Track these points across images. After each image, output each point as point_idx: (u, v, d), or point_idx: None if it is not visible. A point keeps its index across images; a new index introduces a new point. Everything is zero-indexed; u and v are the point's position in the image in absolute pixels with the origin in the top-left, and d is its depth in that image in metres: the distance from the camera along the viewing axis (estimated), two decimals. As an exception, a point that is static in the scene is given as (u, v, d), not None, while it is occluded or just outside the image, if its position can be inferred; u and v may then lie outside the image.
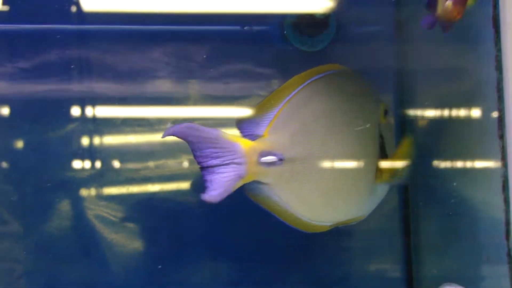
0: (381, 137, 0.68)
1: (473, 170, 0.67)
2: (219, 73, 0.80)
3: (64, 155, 0.78)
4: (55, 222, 0.77)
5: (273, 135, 0.62)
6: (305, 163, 0.62)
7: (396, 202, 0.83)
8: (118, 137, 0.79)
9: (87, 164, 0.78)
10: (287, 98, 0.63)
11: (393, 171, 0.68)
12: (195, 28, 0.81)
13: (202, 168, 0.60)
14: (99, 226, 0.78)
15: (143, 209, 0.79)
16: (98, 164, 0.78)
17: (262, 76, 0.81)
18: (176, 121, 0.79)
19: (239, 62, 0.81)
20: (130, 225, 0.79)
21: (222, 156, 0.60)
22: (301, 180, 0.62)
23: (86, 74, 0.79)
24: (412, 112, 0.82)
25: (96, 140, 0.79)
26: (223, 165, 0.59)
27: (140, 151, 0.79)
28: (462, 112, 0.69)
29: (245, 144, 0.60)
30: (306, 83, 0.64)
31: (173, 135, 0.59)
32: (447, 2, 0.57)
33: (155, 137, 0.79)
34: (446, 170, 0.74)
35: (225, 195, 0.59)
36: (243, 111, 0.80)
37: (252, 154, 0.60)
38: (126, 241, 0.79)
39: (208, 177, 0.60)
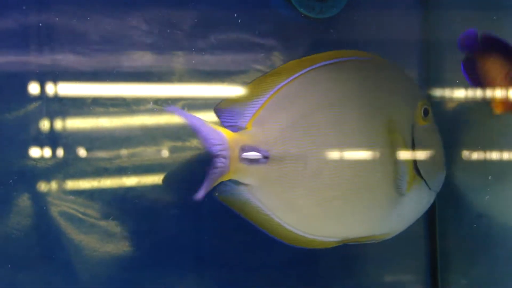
0: (415, 141, 0.66)
1: (510, 163, 0.66)
2: (209, 44, 0.79)
3: (23, 140, 0.76)
4: (12, 220, 0.75)
5: (258, 128, 0.60)
6: (298, 164, 0.60)
7: None
8: (88, 120, 0.77)
9: (50, 151, 0.77)
10: (281, 85, 0.61)
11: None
12: None
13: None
14: (65, 225, 0.77)
15: (117, 206, 0.78)
16: (63, 151, 0.77)
17: (260, 48, 0.80)
18: (158, 101, 0.78)
19: (233, 31, 0.79)
20: (102, 224, 0.77)
21: (215, 148, 0.59)
22: (292, 184, 0.61)
23: (49, 44, 0.77)
24: (439, 92, 0.81)
25: (62, 123, 0.77)
26: (216, 156, 0.59)
27: (114, 136, 0.77)
28: (498, 93, 0.67)
29: (228, 134, 0.59)
30: (308, 69, 0.62)
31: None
32: None
33: (132, 120, 0.78)
34: (478, 162, 0.72)
35: (208, 189, 0.59)
36: (235, 90, 0.80)
37: (233, 147, 0.59)
38: (97, 244, 0.77)
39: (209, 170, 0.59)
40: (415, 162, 0.65)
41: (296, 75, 0.61)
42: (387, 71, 0.67)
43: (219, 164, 0.58)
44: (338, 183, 0.61)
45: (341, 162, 0.61)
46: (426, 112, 0.66)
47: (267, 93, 0.61)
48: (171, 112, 0.60)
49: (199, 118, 0.59)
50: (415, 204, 0.66)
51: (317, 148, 0.60)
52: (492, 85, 0.58)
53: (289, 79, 0.61)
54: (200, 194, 0.58)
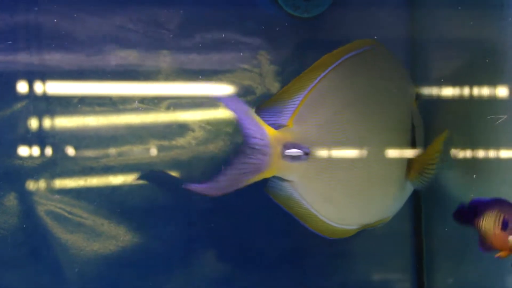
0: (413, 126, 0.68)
1: (496, 161, 0.66)
2: (195, 43, 0.79)
3: (9, 139, 0.76)
4: None
5: (299, 125, 0.61)
6: (334, 159, 0.62)
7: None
8: (74, 119, 0.77)
9: (37, 150, 0.77)
10: (315, 82, 0.62)
11: (422, 168, 0.67)
12: None
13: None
14: (52, 225, 0.77)
15: (103, 205, 0.78)
16: (50, 150, 0.77)
17: (246, 47, 0.80)
18: (144, 100, 0.78)
19: (219, 30, 0.79)
20: (89, 223, 0.77)
21: (251, 144, 0.59)
22: (328, 178, 0.62)
23: (36, 43, 0.77)
24: (425, 90, 0.81)
25: (48, 122, 0.77)
26: (245, 152, 0.59)
27: (101, 135, 0.77)
28: (484, 91, 0.68)
29: (270, 131, 0.60)
30: (336, 64, 0.63)
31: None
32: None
33: (119, 119, 0.78)
34: (463, 161, 0.73)
35: (234, 188, 0.59)
36: (223, 88, 0.80)
37: (276, 145, 0.59)
38: (84, 243, 0.77)
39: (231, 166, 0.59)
40: (414, 146, 0.68)
41: (327, 70, 0.62)
42: (390, 58, 0.68)
43: (255, 160, 0.59)
44: (366, 175, 0.64)
45: (369, 154, 0.63)
46: (417, 96, 0.69)
47: (304, 90, 0.62)
48: (220, 100, 0.58)
49: (247, 111, 0.58)
50: (408, 188, 0.69)
51: (350, 142, 0.62)
52: (489, 240, 0.59)
53: (321, 75, 0.62)
54: (218, 188, 0.59)
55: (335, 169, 0.62)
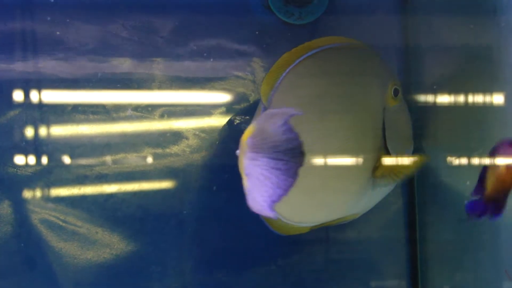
0: (385, 123, 0.66)
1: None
2: (189, 51, 0.79)
3: (3, 147, 0.76)
4: None
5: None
6: None
7: (400, 205, 0.83)
8: (68, 127, 0.77)
9: (31, 159, 0.77)
10: (281, 78, 0.62)
11: (389, 172, 0.66)
12: None
13: None
14: (46, 233, 0.77)
15: (98, 213, 0.78)
16: (44, 159, 0.77)
17: (240, 54, 0.80)
18: (138, 108, 0.78)
19: (212, 37, 0.80)
20: (83, 231, 0.77)
21: None
22: None
23: (30, 51, 0.77)
24: (419, 97, 0.81)
25: (42, 131, 0.77)
26: None
27: (95, 143, 0.77)
28: (478, 98, 0.68)
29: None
30: (301, 58, 0.63)
31: None
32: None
33: (113, 127, 0.78)
34: (458, 166, 0.73)
35: None
36: (217, 94, 0.80)
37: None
38: (78, 251, 0.77)
39: None
40: (385, 144, 0.66)
41: (291, 66, 0.62)
42: (363, 56, 0.67)
43: None
44: (321, 172, 0.63)
45: (325, 152, 0.62)
46: (396, 92, 0.67)
47: (270, 89, 0.62)
48: None
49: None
50: (382, 185, 0.68)
51: (305, 139, 0.60)
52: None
53: (282, 76, 0.62)
54: None
55: None
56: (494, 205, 0.57)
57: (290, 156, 0.56)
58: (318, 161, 0.62)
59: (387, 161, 0.66)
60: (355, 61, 0.67)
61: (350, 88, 0.65)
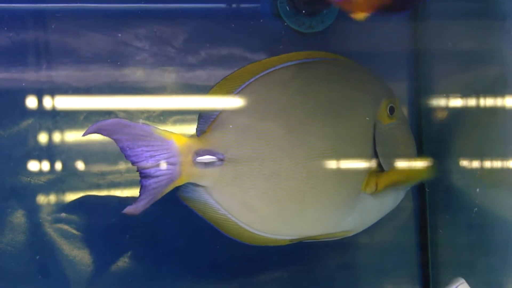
0: (377, 140, 0.66)
1: (502, 171, 0.67)
2: (201, 59, 0.80)
3: (17, 156, 0.77)
4: (6, 237, 0.76)
5: (215, 131, 0.62)
6: (253, 166, 0.62)
7: (411, 209, 0.83)
8: (80, 135, 0.73)
9: (44, 167, 0.77)
10: (240, 88, 0.63)
11: (389, 183, 0.66)
12: (172, 6, 0.80)
13: (139, 171, 0.61)
14: (59, 241, 0.77)
15: (111, 221, 0.78)
16: (57, 167, 0.78)
17: (251, 62, 0.77)
18: (150, 117, 0.79)
19: (224, 46, 0.80)
20: (96, 239, 0.78)
21: (155, 155, 0.60)
22: (247, 185, 0.62)
23: (43, 60, 0.78)
24: (429, 102, 0.82)
25: (55, 139, 0.78)
26: (157, 166, 0.60)
27: (107, 151, 0.78)
28: (488, 103, 0.69)
29: (178, 140, 0.61)
30: (268, 71, 0.64)
31: (97, 133, 0.60)
32: None
33: None
34: (470, 171, 0.73)
35: (152, 202, 0.61)
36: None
37: (186, 153, 0.61)
38: (91, 259, 0.78)
39: (145, 182, 0.61)
40: (377, 160, 0.66)
41: (256, 77, 0.63)
42: (349, 72, 0.68)
43: (165, 172, 0.60)
44: (295, 185, 0.63)
45: (297, 164, 0.62)
46: (391, 110, 0.67)
47: (229, 96, 0.63)
48: (117, 123, 0.59)
49: (147, 126, 0.60)
50: (379, 201, 0.67)
51: (273, 150, 0.62)
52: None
53: (248, 82, 0.63)
54: (139, 206, 0.61)
55: (254, 176, 0.62)
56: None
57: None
58: (288, 173, 0.62)
59: (385, 176, 0.66)
60: (336, 76, 0.67)
61: (330, 102, 0.65)
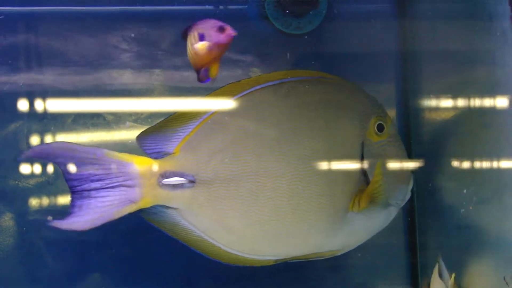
0: (365, 158, 0.66)
1: (490, 171, 0.67)
2: (188, 61, 0.75)
3: (5, 159, 0.77)
4: None
5: (185, 153, 0.62)
6: (229, 187, 0.62)
7: (400, 211, 0.79)
8: (69, 137, 0.78)
9: (32, 170, 0.77)
10: (210, 113, 0.63)
11: (368, 198, 0.65)
12: (159, 8, 0.80)
13: (73, 192, 0.60)
14: (48, 245, 0.78)
15: (101, 225, 0.76)
16: (46, 170, 0.78)
17: (239, 64, 0.81)
18: (138, 119, 0.79)
19: None
20: (85, 242, 0.78)
21: (106, 179, 0.60)
22: (223, 207, 0.62)
23: (31, 63, 0.78)
24: (417, 103, 0.82)
25: (44, 141, 0.78)
26: (105, 188, 0.59)
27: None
28: (476, 103, 0.69)
29: (140, 163, 0.61)
30: (249, 90, 0.63)
31: (37, 157, 0.60)
32: (199, 44, 0.58)
33: (113, 137, 0.79)
34: (458, 172, 0.73)
35: (103, 221, 0.60)
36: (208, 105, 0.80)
37: (149, 175, 0.60)
38: (81, 263, 0.78)
39: (78, 202, 0.60)
40: (366, 178, 0.65)
41: (233, 98, 0.63)
42: (335, 90, 0.67)
43: (119, 192, 0.60)
44: (274, 205, 0.62)
45: (276, 185, 0.62)
46: (380, 128, 0.67)
47: (200, 118, 0.62)
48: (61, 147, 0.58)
49: (99, 150, 0.60)
50: (369, 219, 0.66)
51: (251, 171, 0.61)
52: (197, 60, 0.59)
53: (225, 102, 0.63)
54: (83, 225, 0.60)
55: (230, 197, 0.61)
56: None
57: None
58: (268, 193, 0.62)
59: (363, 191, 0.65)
60: (327, 96, 0.66)
61: (314, 121, 0.64)
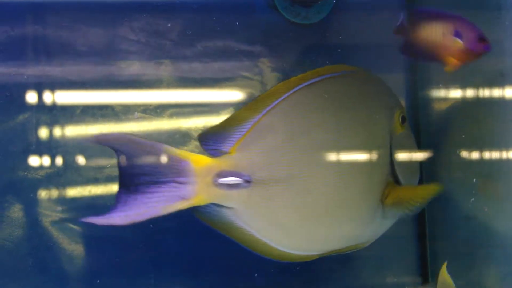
0: (393, 150, 0.67)
1: (500, 162, 0.68)
2: (197, 52, 0.80)
3: (13, 151, 0.78)
4: (4, 232, 0.77)
5: (241, 153, 0.62)
6: (283, 185, 0.62)
7: None
8: (77, 129, 0.79)
9: (41, 161, 0.78)
10: (269, 108, 0.63)
11: (399, 200, 0.66)
12: None
13: (122, 186, 0.60)
14: (57, 236, 0.78)
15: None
16: (54, 161, 0.78)
17: (247, 55, 0.81)
18: (147, 110, 0.79)
19: (219, 38, 0.81)
20: (94, 233, 0.79)
21: (159, 174, 0.59)
22: (277, 205, 0.62)
23: (39, 54, 0.79)
24: (426, 94, 0.82)
25: (52, 134, 0.78)
26: (156, 183, 0.59)
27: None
28: (485, 94, 0.70)
29: (197, 161, 0.60)
30: (295, 89, 0.63)
31: (104, 144, 0.59)
32: (454, 40, 0.58)
33: (122, 128, 0.79)
34: (465, 164, 0.74)
35: (146, 217, 0.59)
36: (225, 95, 0.81)
37: (205, 173, 0.60)
38: (89, 253, 0.79)
39: (123, 196, 0.59)
40: (393, 170, 0.67)
41: (283, 97, 0.63)
42: (367, 85, 0.68)
43: (172, 189, 0.59)
44: (324, 201, 0.63)
45: (326, 180, 0.63)
46: (403, 120, 0.68)
47: (255, 117, 0.62)
48: (129, 139, 0.58)
49: (159, 144, 0.59)
50: (389, 213, 0.67)
51: (303, 169, 0.62)
52: (437, 50, 0.60)
53: (277, 101, 0.63)
54: (124, 219, 0.59)
55: (284, 196, 0.62)
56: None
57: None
58: (317, 190, 0.63)
59: (399, 189, 0.66)
60: (360, 90, 0.67)
61: (353, 117, 0.65)
